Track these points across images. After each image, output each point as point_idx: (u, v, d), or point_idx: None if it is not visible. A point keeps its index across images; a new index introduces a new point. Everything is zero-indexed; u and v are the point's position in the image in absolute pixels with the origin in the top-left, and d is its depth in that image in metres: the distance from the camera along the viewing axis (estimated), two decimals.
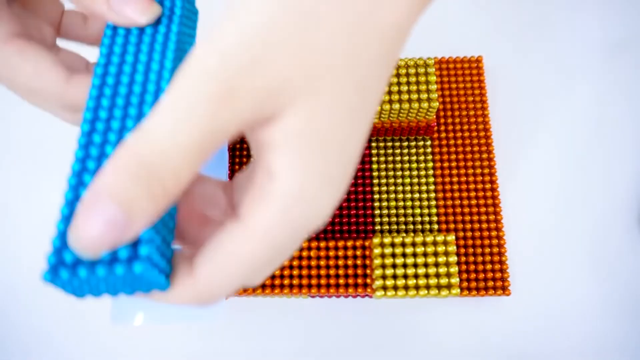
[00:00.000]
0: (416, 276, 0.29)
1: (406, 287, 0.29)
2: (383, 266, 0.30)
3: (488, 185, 0.38)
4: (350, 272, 0.32)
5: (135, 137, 0.14)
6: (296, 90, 0.15)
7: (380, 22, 0.17)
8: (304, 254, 0.32)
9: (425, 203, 0.37)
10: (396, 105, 0.32)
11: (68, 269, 0.15)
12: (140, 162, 0.14)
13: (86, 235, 0.14)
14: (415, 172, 0.38)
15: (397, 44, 0.18)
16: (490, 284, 0.35)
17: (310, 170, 0.16)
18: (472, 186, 0.38)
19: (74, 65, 0.24)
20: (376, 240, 0.30)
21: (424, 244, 0.30)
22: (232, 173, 0.38)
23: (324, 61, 0.15)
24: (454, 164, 0.38)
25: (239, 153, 0.39)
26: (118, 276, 0.15)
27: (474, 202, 0.37)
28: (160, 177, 0.14)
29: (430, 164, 0.38)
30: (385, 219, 0.37)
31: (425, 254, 0.29)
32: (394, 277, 0.29)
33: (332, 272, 0.32)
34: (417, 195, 0.38)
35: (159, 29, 0.21)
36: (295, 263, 0.32)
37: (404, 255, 0.30)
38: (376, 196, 0.38)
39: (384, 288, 0.29)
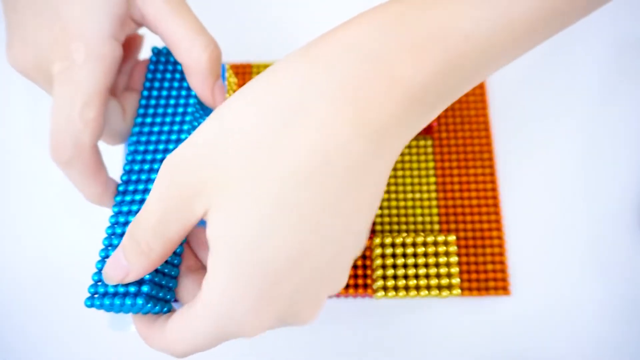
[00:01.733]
0: (417, 276, 0.29)
1: (407, 288, 0.29)
2: (383, 266, 0.30)
3: (489, 185, 0.38)
4: (350, 272, 0.32)
5: (135, 219, 0.21)
6: (213, 192, 0.19)
7: (298, 144, 0.18)
8: None
9: (426, 203, 0.37)
10: None
11: (100, 298, 0.23)
12: (132, 232, 0.21)
13: (108, 272, 0.22)
14: (416, 172, 0.38)
15: (333, 169, 0.18)
16: (491, 284, 0.35)
17: (228, 275, 0.19)
18: (472, 186, 0.38)
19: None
20: (376, 241, 0.30)
21: (425, 244, 0.29)
22: None
23: (235, 174, 0.18)
24: (454, 163, 0.38)
25: None
26: (127, 304, 0.22)
27: (474, 202, 0.37)
28: (139, 241, 0.21)
29: (431, 164, 0.38)
30: (386, 219, 0.37)
31: (425, 254, 0.29)
32: (395, 277, 0.29)
33: None
34: (417, 195, 0.38)
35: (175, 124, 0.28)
36: None
37: (405, 255, 0.30)
38: None
39: (385, 288, 0.29)
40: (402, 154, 0.39)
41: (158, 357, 0.36)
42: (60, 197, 0.40)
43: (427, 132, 0.38)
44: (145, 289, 0.23)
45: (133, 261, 0.21)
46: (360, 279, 0.32)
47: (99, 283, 0.23)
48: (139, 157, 0.27)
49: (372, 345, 0.36)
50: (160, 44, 0.32)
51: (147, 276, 0.23)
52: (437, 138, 0.39)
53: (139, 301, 0.22)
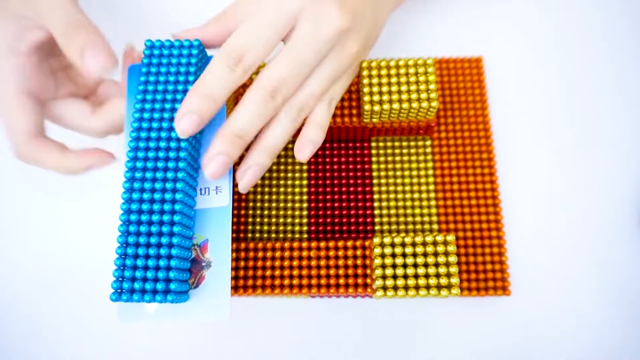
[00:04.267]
0: (416, 276, 0.29)
1: (406, 287, 0.29)
2: (383, 266, 0.30)
3: (488, 185, 0.38)
4: (350, 272, 0.32)
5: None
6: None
7: None
8: (304, 254, 0.32)
9: (425, 203, 0.38)
10: (396, 105, 0.32)
11: (127, 294, 0.25)
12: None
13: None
14: (415, 172, 0.38)
15: None
16: (491, 284, 0.35)
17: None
18: (472, 186, 0.38)
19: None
20: (376, 240, 0.30)
21: (424, 244, 0.30)
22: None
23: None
24: (454, 164, 0.38)
25: None
26: (157, 300, 0.26)
27: (474, 202, 0.37)
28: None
29: (430, 164, 0.38)
30: (385, 219, 0.37)
31: (425, 254, 0.29)
32: (394, 277, 0.29)
33: (332, 272, 0.32)
34: (417, 195, 0.38)
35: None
36: (295, 263, 0.32)
37: (404, 255, 0.30)
38: (376, 196, 0.38)
39: (384, 288, 0.29)
40: (402, 154, 0.39)
41: (166, 349, 0.36)
42: (61, 196, 0.40)
43: (427, 132, 0.38)
44: (173, 286, 0.26)
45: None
46: (360, 278, 0.32)
47: (123, 282, 0.25)
48: (141, 154, 0.28)
49: (372, 345, 0.36)
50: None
51: (173, 274, 0.26)
52: (437, 138, 0.39)
53: (169, 298, 0.26)
